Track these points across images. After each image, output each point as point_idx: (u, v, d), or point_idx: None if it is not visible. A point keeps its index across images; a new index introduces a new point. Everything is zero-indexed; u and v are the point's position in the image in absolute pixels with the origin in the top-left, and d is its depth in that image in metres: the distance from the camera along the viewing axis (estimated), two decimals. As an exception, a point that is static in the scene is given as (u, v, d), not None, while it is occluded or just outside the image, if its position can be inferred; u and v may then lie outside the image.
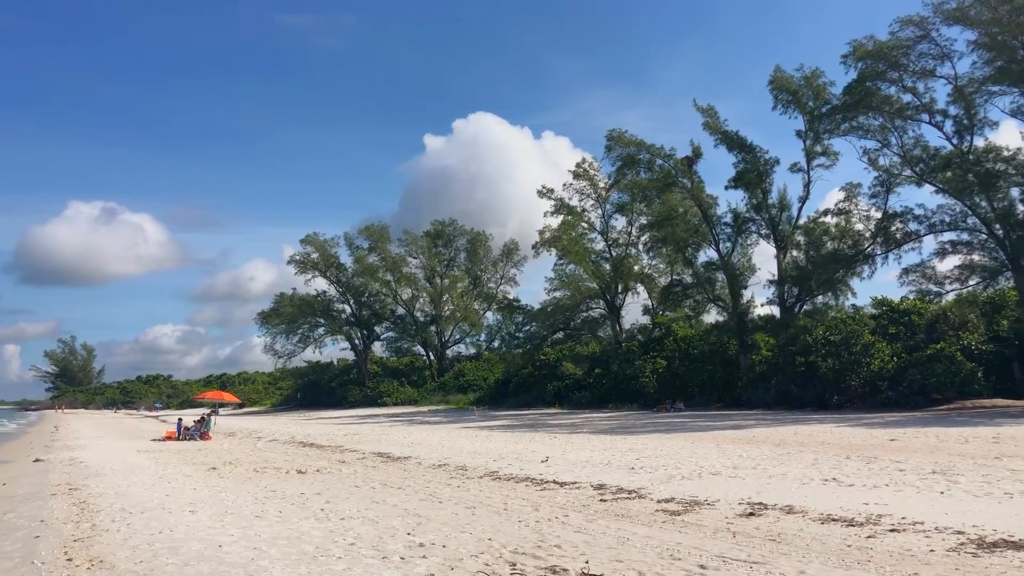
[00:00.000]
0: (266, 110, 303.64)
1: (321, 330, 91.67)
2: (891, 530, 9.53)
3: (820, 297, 49.17)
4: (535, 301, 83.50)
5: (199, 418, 37.77)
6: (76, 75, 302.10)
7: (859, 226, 47.21)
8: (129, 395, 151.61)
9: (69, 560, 9.62)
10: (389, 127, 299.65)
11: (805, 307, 49.49)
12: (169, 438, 35.27)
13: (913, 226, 43.60)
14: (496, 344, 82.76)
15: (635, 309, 65.42)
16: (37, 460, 26.42)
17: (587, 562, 8.33)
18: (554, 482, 15.27)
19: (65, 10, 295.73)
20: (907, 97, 42.15)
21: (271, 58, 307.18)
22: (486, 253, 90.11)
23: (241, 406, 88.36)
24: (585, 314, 64.88)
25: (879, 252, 45.35)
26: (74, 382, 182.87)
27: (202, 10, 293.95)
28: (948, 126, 41.38)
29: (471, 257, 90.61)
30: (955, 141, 41.19)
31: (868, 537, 9.21)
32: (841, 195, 47.17)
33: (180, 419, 39.10)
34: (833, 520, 10.30)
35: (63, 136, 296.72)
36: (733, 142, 49.61)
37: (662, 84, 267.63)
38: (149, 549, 9.92)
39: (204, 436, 34.99)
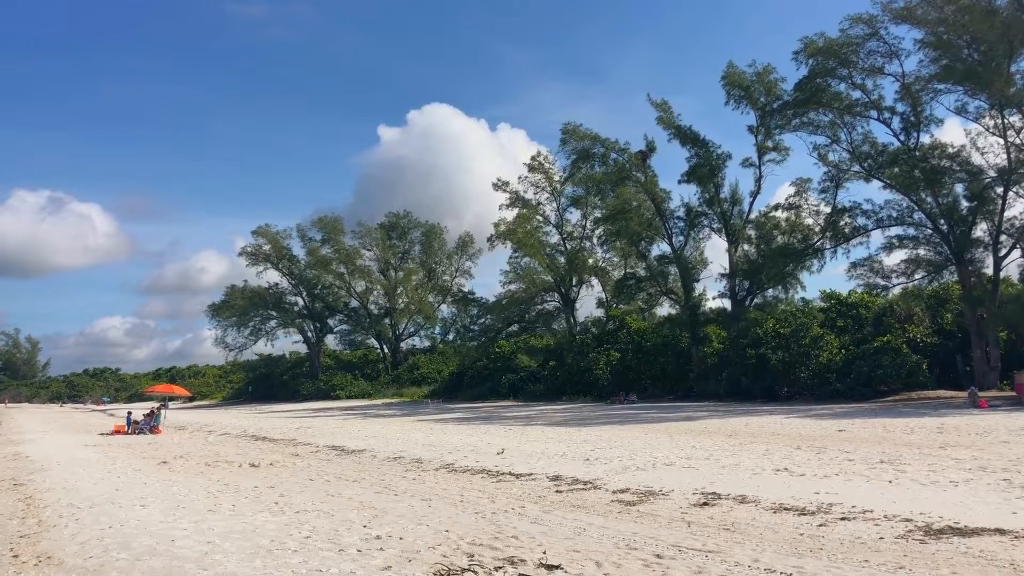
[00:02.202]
0: (216, 100, 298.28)
1: (273, 323, 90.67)
2: (842, 518, 9.72)
3: (770, 290, 49.86)
4: (490, 294, 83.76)
5: (148, 412, 37.10)
6: (19, 57, 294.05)
7: (809, 220, 47.97)
8: (76, 389, 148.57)
9: (15, 556, 9.38)
10: (342, 118, 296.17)
11: (756, 300, 50.18)
12: (118, 432, 34.59)
13: (861, 221, 44.45)
14: (451, 337, 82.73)
15: (589, 302, 65.98)
16: (-21, 455, 25.74)
17: (544, 552, 8.36)
18: (510, 474, 15.30)
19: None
20: (856, 94, 43.02)
21: (223, 48, 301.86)
22: (441, 246, 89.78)
23: (191, 400, 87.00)
24: (540, 307, 65.08)
25: (828, 246, 46.12)
26: (18, 376, 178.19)
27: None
28: (896, 123, 42.35)
29: (426, 249, 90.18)
30: (902, 138, 42.14)
31: (820, 526, 9.39)
32: (792, 190, 47.98)
33: (129, 412, 38.39)
34: (785, 509, 10.48)
35: (6, 121, 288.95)
36: (686, 137, 50.07)
37: (616, 78, 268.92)
38: (99, 544, 9.72)
39: (154, 430, 34.38)
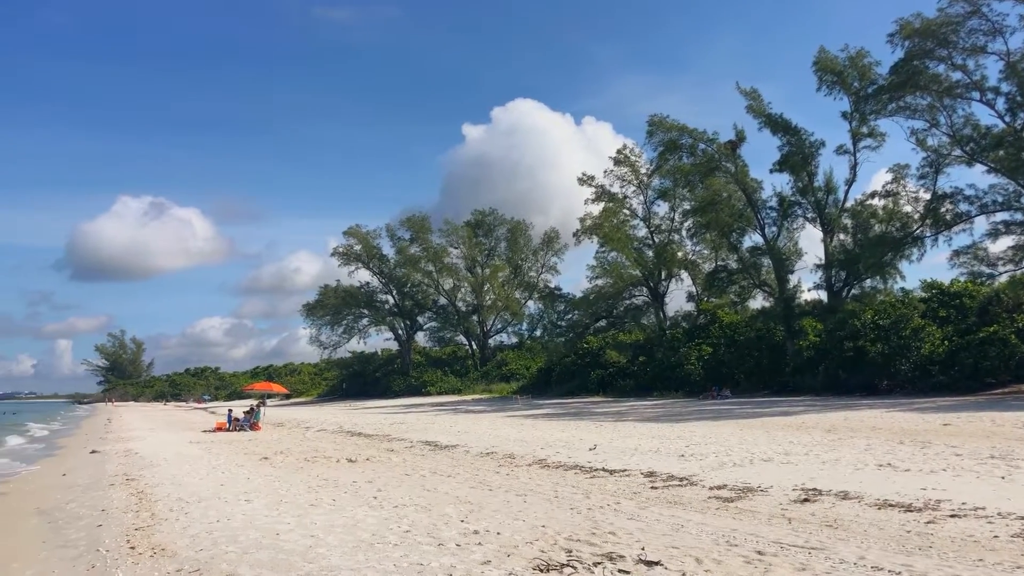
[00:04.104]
0: (307, 104, 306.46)
1: (365, 321, 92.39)
2: (951, 516, 9.37)
3: (868, 281, 48.69)
4: (577, 289, 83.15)
5: (248, 409, 38.30)
6: (121, 72, 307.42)
7: (908, 208, 46.59)
8: (178, 387, 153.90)
9: (132, 548, 9.83)
10: (428, 118, 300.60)
11: (853, 291, 48.97)
12: (220, 429, 35.82)
13: (964, 207, 42.84)
14: (538, 333, 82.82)
15: (679, 296, 64.72)
16: (94, 451, 27.02)
17: (643, 549, 8.31)
18: (603, 470, 15.25)
19: (105, 6, 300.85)
20: (957, 75, 41.22)
21: (312, 52, 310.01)
22: (526, 242, 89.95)
23: (288, 397, 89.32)
24: (628, 302, 64.57)
25: (929, 234, 44.61)
26: (124, 375, 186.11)
27: (241, 5, 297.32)
28: (1000, 103, 40.42)
29: (511, 246, 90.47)
30: (1008, 119, 40.20)
31: (928, 523, 9.07)
32: (889, 177, 46.59)
33: (230, 410, 39.70)
34: (890, 506, 10.16)
35: (110, 132, 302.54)
36: (777, 125, 49.04)
37: (702, 67, 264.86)
38: (208, 537, 10.10)
39: (254, 426, 35.49)
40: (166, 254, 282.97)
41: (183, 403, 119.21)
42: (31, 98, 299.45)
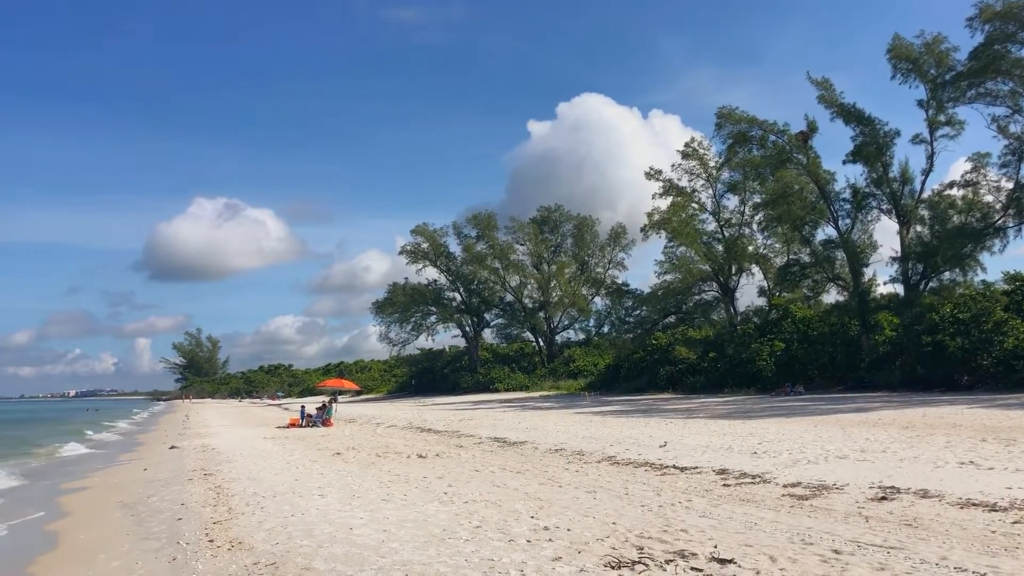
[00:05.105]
0: (375, 105, 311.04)
1: (433, 318, 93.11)
2: (1039, 516, 9.04)
3: (947, 273, 47.37)
4: (644, 285, 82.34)
5: (321, 405, 38.97)
6: (195, 78, 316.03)
7: (988, 198, 45.19)
8: (252, 384, 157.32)
9: (211, 541, 10.11)
10: (493, 116, 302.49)
11: (931, 284, 47.71)
12: (293, 425, 36.56)
13: (1050, 196, 41.17)
14: (605, 329, 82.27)
15: (750, 291, 63.52)
16: (173, 447, 27.84)
17: (715, 547, 8.21)
18: (674, 467, 15.11)
19: (182, 14, 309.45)
20: (1041, 59, 39.71)
21: (379, 53, 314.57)
22: (593, 238, 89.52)
23: (359, 393, 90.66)
24: (697, 297, 63.65)
25: (1011, 224, 43.16)
26: (201, 373, 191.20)
27: (310, 8, 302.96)
28: (1089, 88, 38.80)
29: (578, 242, 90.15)
30: (1097, 104, 38.60)
31: (1014, 523, 8.77)
32: (968, 166, 45.15)
33: (303, 407, 40.45)
34: (974, 505, 9.85)
35: (185, 136, 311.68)
36: (850, 115, 47.92)
37: (770, 59, 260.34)
38: (284, 531, 10.32)
39: (326, 422, 36.12)
40: (240, 254, 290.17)
41: (258, 400, 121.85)
42: (110, 104, 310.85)
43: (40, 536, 12.62)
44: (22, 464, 25.89)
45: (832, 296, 56.93)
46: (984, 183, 45.07)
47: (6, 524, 13.77)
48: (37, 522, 13.96)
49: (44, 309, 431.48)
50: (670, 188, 61.75)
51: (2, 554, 11.56)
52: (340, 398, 60.62)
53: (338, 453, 21.46)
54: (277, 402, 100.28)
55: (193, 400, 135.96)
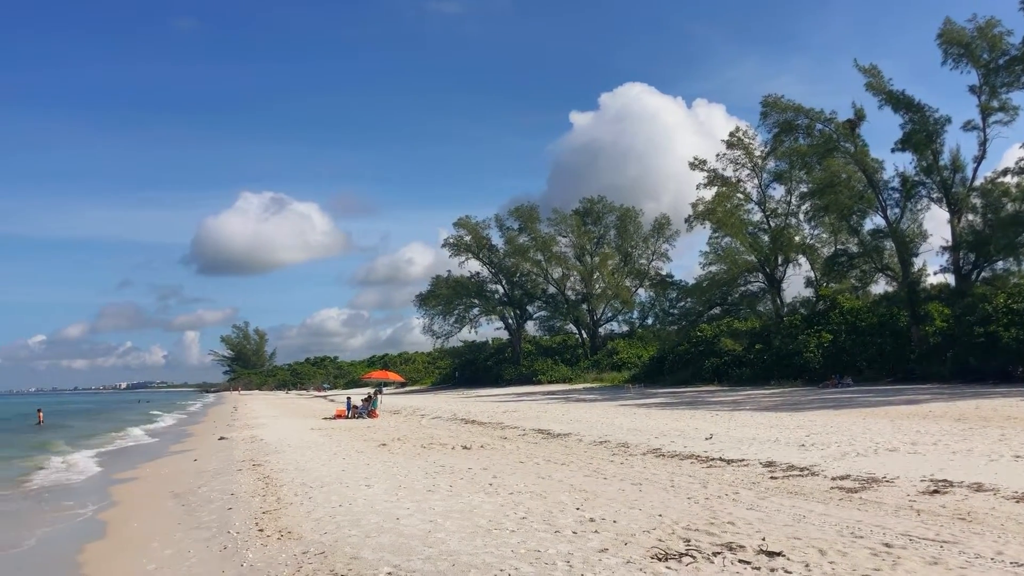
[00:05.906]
0: (419, 98, 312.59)
1: (476, 310, 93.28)
2: (1099, 511, 8.82)
3: (1000, 263, 46.16)
4: (689, 276, 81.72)
5: (366, 397, 39.32)
6: (240, 72, 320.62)
7: (1044, 185, 43.75)
8: (299, 376, 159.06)
9: (260, 531, 10.28)
10: (536, 108, 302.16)
11: (983, 274, 46.60)
12: (339, 416, 36.95)
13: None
14: (649, 321, 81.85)
15: (797, 282, 62.58)
16: (222, 438, 28.33)
17: (763, 539, 8.14)
18: (720, 459, 15.00)
19: (226, 8, 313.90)
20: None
21: (423, 45, 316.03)
22: (636, 229, 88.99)
23: (403, 385, 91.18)
24: (743, 288, 62.95)
25: (1068, 212, 41.83)
26: (248, 365, 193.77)
27: (354, 2, 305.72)
28: None
29: (621, 234, 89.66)
30: None
31: (1073, 518, 8.56)
32: (1023, 152, 43.76)
33: (349, 398, 40.86)
34: (1030, 499, 9.63)
35: (231, 129, 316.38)
36: (899, 102, 46.97)
37: (816, 45, 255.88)
38: (332, 521, 10.45)
39: (372, 414, 36.44)
40: (286, 248, 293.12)
41: (304, 391, 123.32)
42: (156, 100, 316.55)
43: (93, 525, 12.95)
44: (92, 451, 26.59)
45: (881, 287, 56.01)
46: (1040, 170, 43.86)
47: (63, 516, 14.15)
48: (92, 512, 14.32)
49: (97, 303, 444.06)
50: (715, 178, 61.04)
51: (64, 541, 11.89)
52: (385, 390, 60.94)
53: (384, 444, 21.65)
54: (323, 394, 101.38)
55: (241, 392, 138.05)
